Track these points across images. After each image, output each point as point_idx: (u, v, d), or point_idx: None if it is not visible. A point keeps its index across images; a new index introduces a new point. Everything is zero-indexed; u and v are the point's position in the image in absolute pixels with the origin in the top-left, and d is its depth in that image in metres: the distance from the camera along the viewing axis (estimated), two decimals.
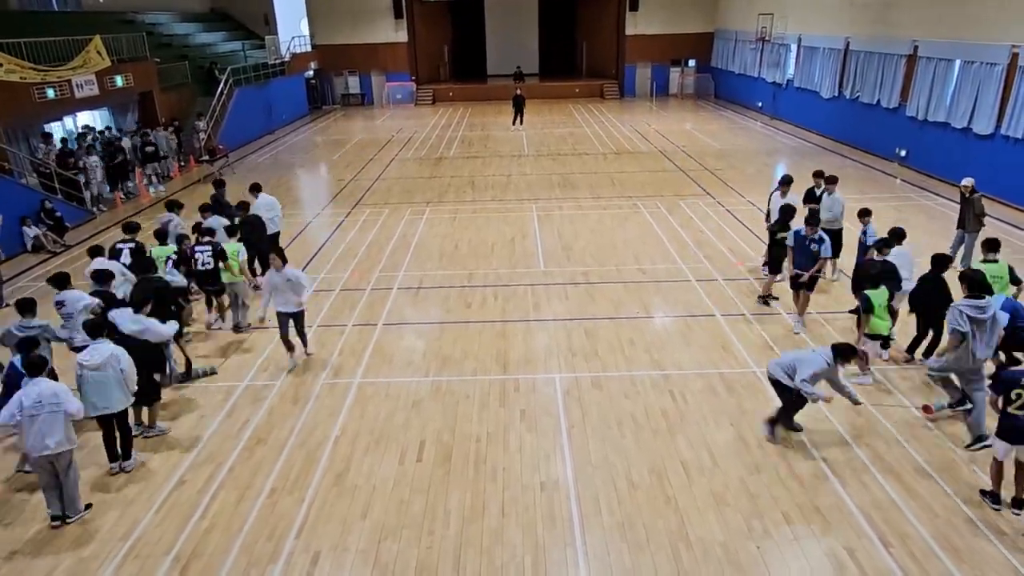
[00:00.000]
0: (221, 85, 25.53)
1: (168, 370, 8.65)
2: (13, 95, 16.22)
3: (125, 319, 7.81)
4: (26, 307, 7.78)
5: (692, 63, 38.00)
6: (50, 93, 17.25)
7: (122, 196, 18.83)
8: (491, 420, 8.14)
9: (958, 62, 17.83)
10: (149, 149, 19.69)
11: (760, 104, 31.28)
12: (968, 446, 7.39)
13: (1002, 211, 15.59)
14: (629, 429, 7.88)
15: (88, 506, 6.86)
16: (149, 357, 7.83)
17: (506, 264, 13.19)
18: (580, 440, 7.70)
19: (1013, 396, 6.20)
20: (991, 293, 7.53)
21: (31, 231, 14.81)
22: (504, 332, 10.39)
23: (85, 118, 21.53)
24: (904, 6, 20.31)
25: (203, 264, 10.13)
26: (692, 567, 5.92)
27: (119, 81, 20.23)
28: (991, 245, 8.69)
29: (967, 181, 11.96)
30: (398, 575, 5.92)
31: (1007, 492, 6.55)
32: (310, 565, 6.05)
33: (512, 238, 14.70)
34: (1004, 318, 7.61)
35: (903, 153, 20.31)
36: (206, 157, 22.21)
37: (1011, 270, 8.62)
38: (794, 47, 27.73)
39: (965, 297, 7.25)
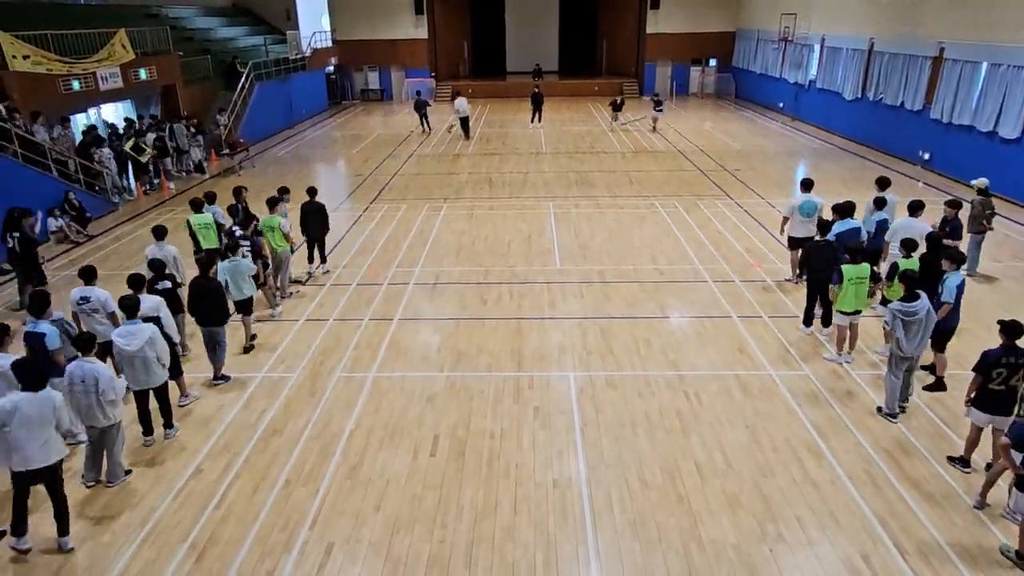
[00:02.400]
0: (242, 79, 25.73)
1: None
2: (39, 87, 16.48)
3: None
4: (45, 304, 7.62)
5: (713, 62, 37.74)
6: (75, 85, 17.49)
7: (144, 188, 19.05)
8: (505, 416, 8.16)
9: (985, 65, 17.57)
10: (160, 145, 19.80)
11: (781, 105, 31.00)
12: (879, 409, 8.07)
13: None
14: (643, 428, 7.87)
15: (128, 471, 7.26)
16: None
17: (522, 261, 13.20)
18: (593, 438, 7.70)
19: (994, 375, 6.56)
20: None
21: (55, 222, 15.03)
22: (519, 329, 10.40)
23: (109, 111, 21.81)
24: (930, 7, 20.03)
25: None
26: (704, 567, 5.90)
27: (143, 74, 20.46)
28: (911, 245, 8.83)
29: (979, 181, 11.80)
30: (410, 568, 5.96)
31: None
32: (323, 556, 6.10)
33: (529, 235, 14.70)
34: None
35: (927, 156, 20.05)
36: (227, 151, 22.41)
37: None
38: (817, 47, 27.45)
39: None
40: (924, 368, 8.65)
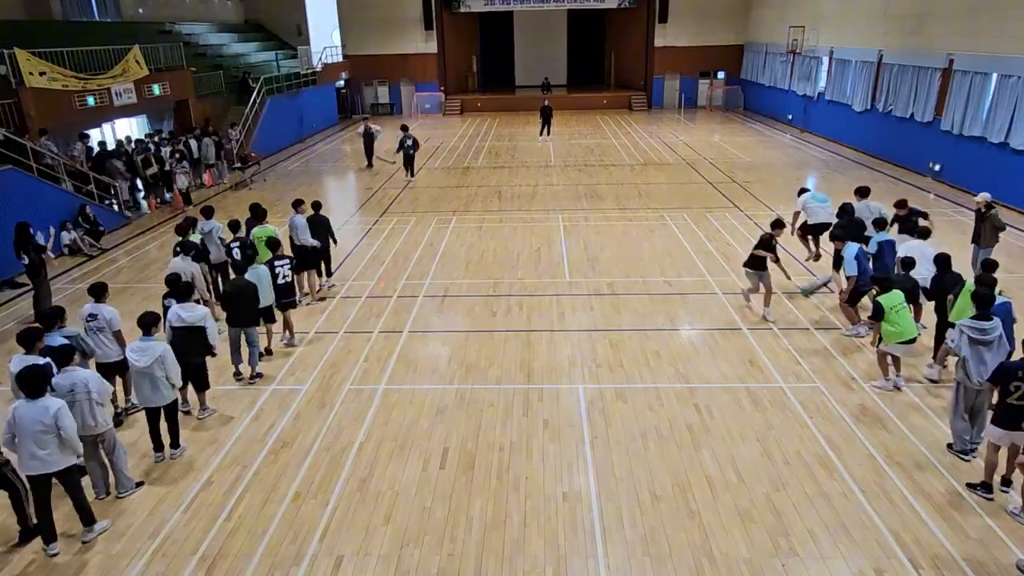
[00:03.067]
0: (254, 94, 26.01)
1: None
2: (55, 102, 16.71)
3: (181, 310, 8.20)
4: (56, 316, 7.80)
5: (721, 75, 37.83)
6: (90, 101, 17.72)
7: (156, 202, 19.23)
8: (514, 429, 8.14)
9: (995, 76, 17.52)
10: (179, 157, 20.03)
11: (790, 117, 31.01)
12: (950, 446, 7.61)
13: None
14: (653, 442, 7.83)
15: (140, 483, 7.30)
16: (196, 346, 8.23)
17: (531, 274, 13.22)
18: (603, 451, 7.67)
19: (1012, 388, 6.38)
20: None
21: (68, 235, 15.20)
22: (529, 342, 10.40)
23: (122, 125, 22.08)
24: (939, 19, 20.03)
25: (283, 278, 10.19)
26: None
27: (156, 90, 20.71)
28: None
29: (982, 196, 11.65)
30: None
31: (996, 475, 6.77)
32: (333, 569, 6.09)
33: (538, 248, 14.73)
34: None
35: (937, 167, 19.98)
36: (238, 164, 22.62)
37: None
38: (826, 60, 27.48)
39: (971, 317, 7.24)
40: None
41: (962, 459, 7.39)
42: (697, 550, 6.21)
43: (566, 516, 6.68)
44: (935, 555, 6.10)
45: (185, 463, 7.69)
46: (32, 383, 6.12)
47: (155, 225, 17.52)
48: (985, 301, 7.19)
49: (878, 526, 6.46)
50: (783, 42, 30.26)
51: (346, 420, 8.43)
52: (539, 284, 12.69)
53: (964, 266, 10.56)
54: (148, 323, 7.48)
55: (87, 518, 6.55)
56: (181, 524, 6.72)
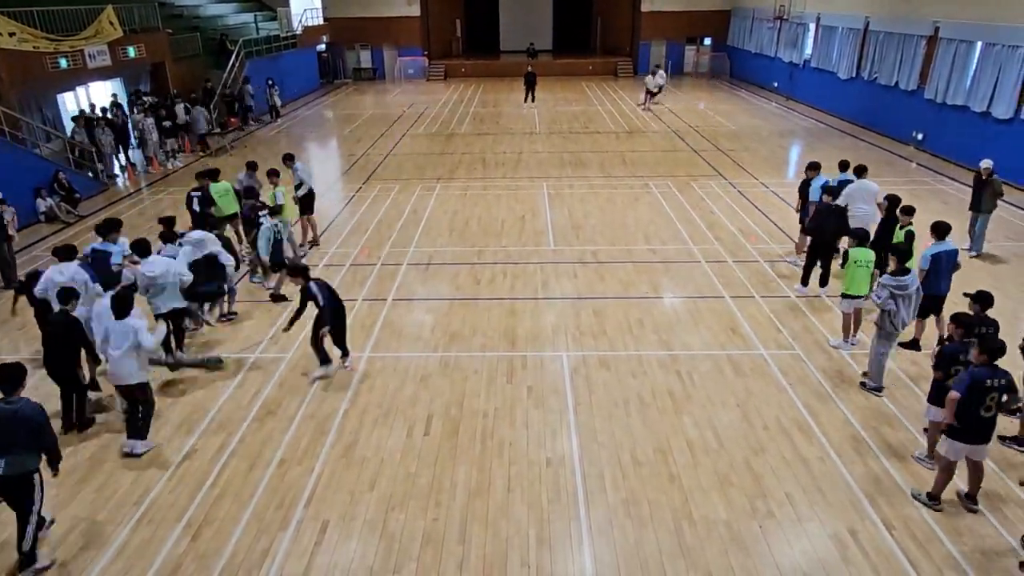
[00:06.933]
0: (233, 57, 25.42)
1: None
2: (26, 64, 16.23)
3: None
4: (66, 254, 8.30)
5: (708, 41, 37.49)
6: (63, 63, 17.24)
7: (134, 168, 18.88)
8: (498, 396, 8.21)
9: (979, 44, 17.52)
10: (167, 124, 19.64)
11: (776, 84, 30.88)
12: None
13: (1019, 196, 15.40)
14: (635, 408, 7.93)
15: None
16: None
17: (516, 242, 13.19)
18: (586, 417, 7.76)
19: (952, 371, 6.43)
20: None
21: (44, 202, 14.90)
22: (513, 309, 10.42)
23: (97, 88, 21.54)
24: None
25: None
26: (695, 544, 5.99)
27: (131, 52, 20.18)
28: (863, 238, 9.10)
29: (986, 163, 11.98)
30: (405, 545, 6.03)
31: None
32: (319, 534, 6.16)
33: (522, 216, 14.68)
34: None
35: (920, 136, 20.06)
36: (217, 129, 22.20)
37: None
38: (812, 26, 27.30)
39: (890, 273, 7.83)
40: (903, 345, 9.00)
41: (876, 395, 8.09)
42: (677, 513, 6.35)
43: (549, 481, 6.78)
44: (907, 516, 6.28)
45: (169, 431, 7.67)
46: (124, 306, 7.01)
47: (132, 192, 17.22)
48: (903, 256, 7.87)
49: (853, 488, 6.62)
50: (770, 7, 29.97)
51: (331, 387, 8.45)
52: (523, 252, 12.68)
53: (961, 232, 10.80)
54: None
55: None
56: (166, 491, 6.74)
